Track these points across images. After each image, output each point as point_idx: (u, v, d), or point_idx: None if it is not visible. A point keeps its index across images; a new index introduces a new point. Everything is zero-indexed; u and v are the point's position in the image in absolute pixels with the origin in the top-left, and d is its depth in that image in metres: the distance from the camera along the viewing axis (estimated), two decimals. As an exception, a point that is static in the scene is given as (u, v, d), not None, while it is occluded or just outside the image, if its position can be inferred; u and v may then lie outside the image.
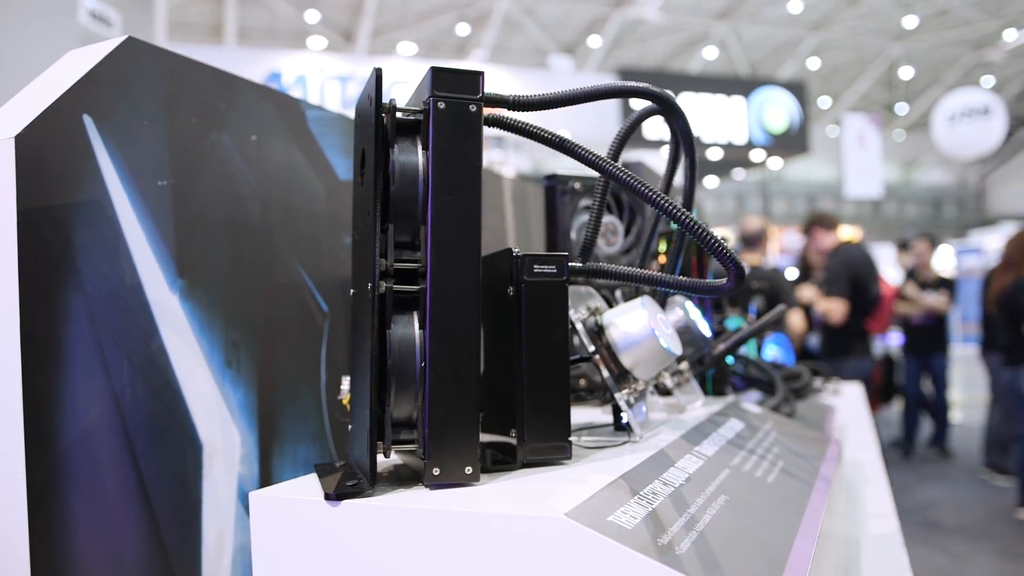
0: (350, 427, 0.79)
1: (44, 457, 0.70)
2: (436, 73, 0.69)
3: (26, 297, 0.69)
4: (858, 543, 1.24)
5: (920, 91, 20.94)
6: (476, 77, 0.70)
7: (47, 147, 0.72)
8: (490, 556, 0.60)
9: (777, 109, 15.26)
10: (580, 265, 0.82)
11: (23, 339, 0.69)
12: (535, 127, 0.77)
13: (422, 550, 0.62)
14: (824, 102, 21.10)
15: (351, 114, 0.94)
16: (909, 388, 6.51)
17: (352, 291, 0.79)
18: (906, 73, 19.56)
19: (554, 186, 1.18)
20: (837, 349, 4.72)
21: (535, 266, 0.76)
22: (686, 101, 14.88)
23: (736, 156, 16.84)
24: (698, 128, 13.55)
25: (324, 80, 12.96)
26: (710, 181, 20.88)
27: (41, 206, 0.71)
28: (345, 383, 0.85)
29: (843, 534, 1.26)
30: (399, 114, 0.70)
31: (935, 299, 6.21)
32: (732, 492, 0.76)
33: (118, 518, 0.77)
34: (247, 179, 0.96)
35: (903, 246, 7.14)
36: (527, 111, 0.75)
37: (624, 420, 0.90)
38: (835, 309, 4.61)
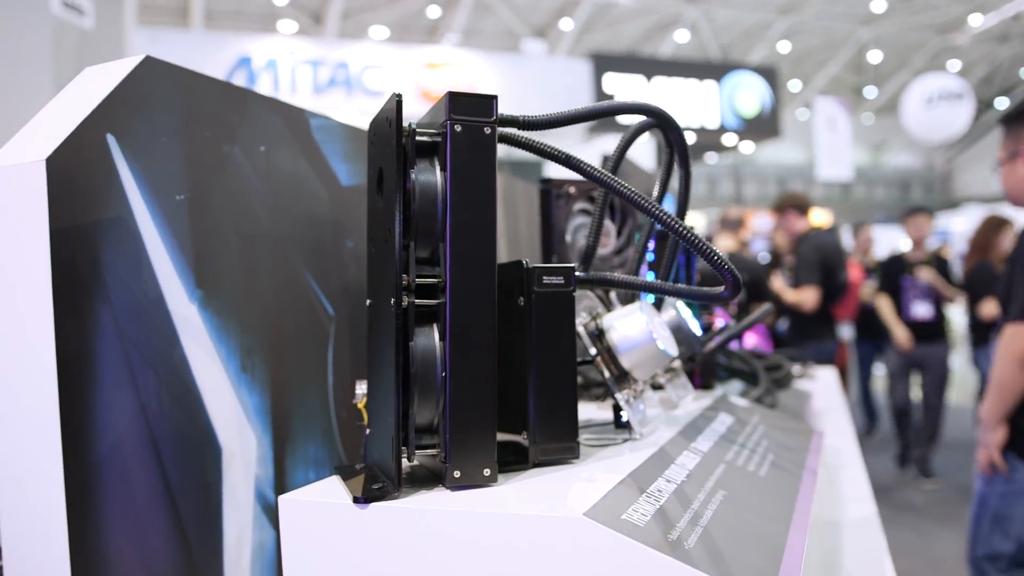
0: (368, 430, 0.83)
1: (80, 467, 0.73)
2: (453, 98, 0.73)
3: (60, 313, 0.72)
4: (839, 527, 1.31)
5: (888, 75, 21.20)
6: (490, 101, 0.74)
7: (75, 167, 0.74)
8: (513, 554, 0.64)
9: (749, 93, 15.38)
10: (586, 275, 0.86)
11: (58, 353, 0.72)
12: (543, 144, 0.81)
13: (448, 549, 0.66)
14: (794, 85, 21.28)
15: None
16: (863, 370, 6.64)
17: (369, 301, 0.83)
18: (874, 57, 19.79)
19: (549, 190, 1.22)
20: (806, 334, 4.82)
21: (544, 277, 0.80)
22: (659, 86, 14.95)
23: (708, 140, 16.96)
24: (671, 111, 13.60)
25: (295, 64, 12.77)
26: (683, 164, 20.95)
27: (70, 225, 0.74)
28: (359, 387, 0.89)
29: (825, 518, 1.33)
30: (418, 137, 0.74)
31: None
32: (729, 487, 0.81)
33: (147, 523, 0.81)
34: (257, 189, 0.99)
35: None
36: (535, 130, 0.79)
37: (624, 419, 0.95)
38: (807, 299, 4.69)
